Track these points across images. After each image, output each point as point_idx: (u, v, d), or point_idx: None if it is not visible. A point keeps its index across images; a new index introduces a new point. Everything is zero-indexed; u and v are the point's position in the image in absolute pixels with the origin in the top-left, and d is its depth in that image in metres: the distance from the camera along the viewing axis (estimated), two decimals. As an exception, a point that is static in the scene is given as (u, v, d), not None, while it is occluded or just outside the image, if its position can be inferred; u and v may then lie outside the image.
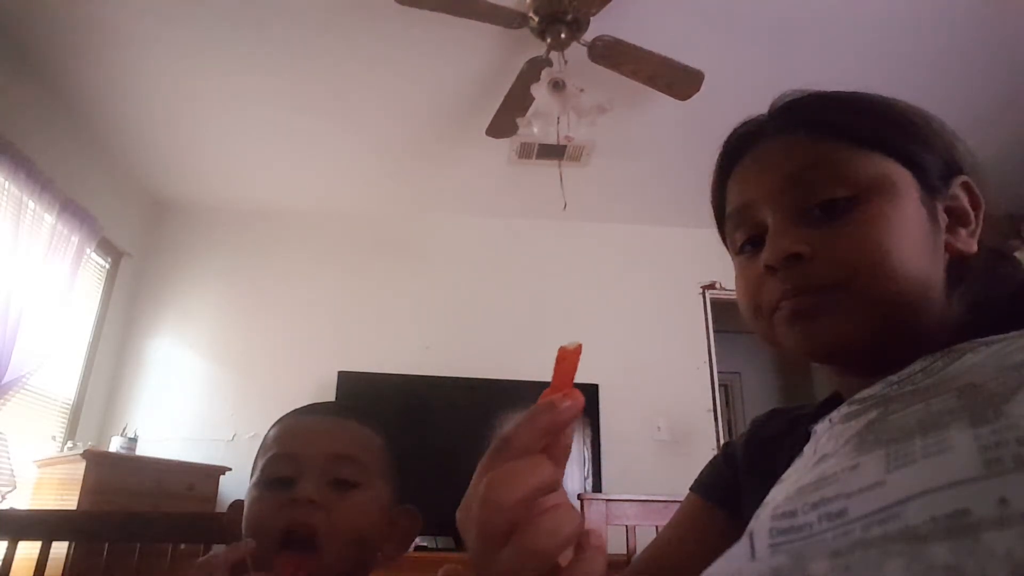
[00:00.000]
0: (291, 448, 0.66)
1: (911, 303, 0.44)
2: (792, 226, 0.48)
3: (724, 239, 0.59)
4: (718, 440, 3.35)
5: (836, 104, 0.52)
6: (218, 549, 0.98)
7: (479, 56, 2.45)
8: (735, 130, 0.57)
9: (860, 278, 0.44)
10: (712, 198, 0.59)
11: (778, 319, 0.49)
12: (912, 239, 0.46)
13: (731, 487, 0.62)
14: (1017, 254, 0.52)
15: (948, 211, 0.49)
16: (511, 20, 2.10)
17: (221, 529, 0.97)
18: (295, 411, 0.74)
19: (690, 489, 0.69)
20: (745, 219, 0.53)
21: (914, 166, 0.48)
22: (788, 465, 0.40)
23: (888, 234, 0.45)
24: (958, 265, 0.48)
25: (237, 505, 0.68)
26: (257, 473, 0.66)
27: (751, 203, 0.52)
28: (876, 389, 0.36)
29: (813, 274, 0.46)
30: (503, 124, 2.50)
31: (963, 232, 0.49)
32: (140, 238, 3.43)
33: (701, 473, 0.69)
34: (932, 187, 0.48)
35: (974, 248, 0.49)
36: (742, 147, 0.55)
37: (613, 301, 3.58)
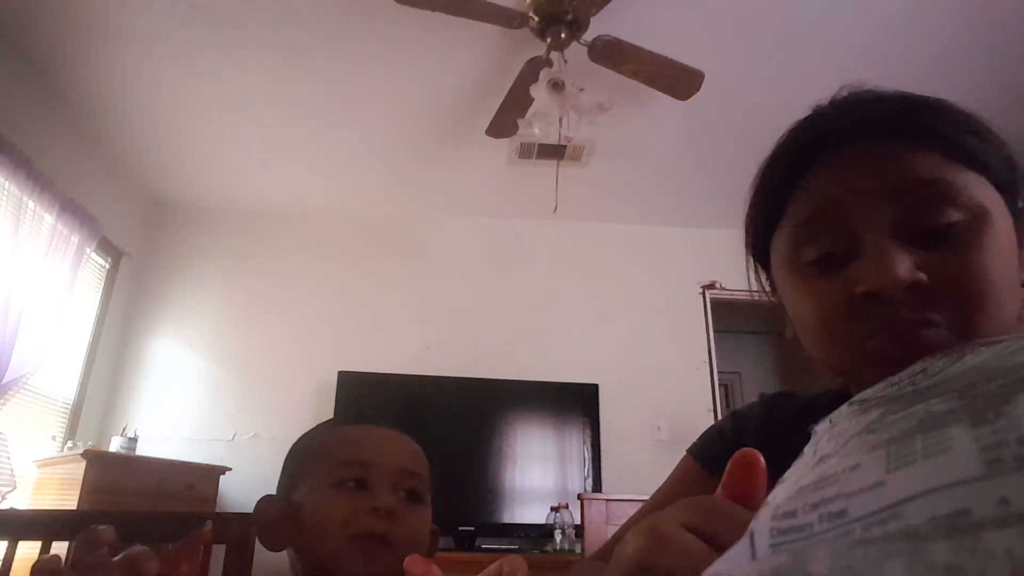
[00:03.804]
0: (365, 456, 0.67)
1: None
2: (899, 247, 0.43)
3: (755, 243, 0.54)
4: (718, 440, 3.34)
5: (941, 116, 0.46)
6: (218, 548, 0.99)
7: (479, 56, 2.46)
8: (810, 125, 0.50)
9: (974, 315, 0.42)
10: (764, 194, 0.52)
11: (871, 352, 0.44)
12: (1013, 271, 0.44)
13: None
14: None
15: None
16: (511, 20, 2.10)
17: (241, 525, 0.97)
18: (348, 418, 0.77)
19: (689, 453, 0.67)
20: (824, 228, 0.46)
21: (1006, 192, 0.45)
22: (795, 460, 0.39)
23: (999, 268, 0.42)
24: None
25: (274, 501, 0.69)
26: (321, 474, 0.67)
27: (838, 209, 0.46)
28: (876, 390, 0.36)
29: (927, 307, 0.42)
30: (503, 124, 2.51)
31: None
32: (140, 238, 3.43)
33: (705, 440, 0.67)
34: (1017, 214, 0.46)
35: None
36: (820, 144, 0.48)
37: (613, 301, 3.58)
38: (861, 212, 0.45)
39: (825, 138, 0.48)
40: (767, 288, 0.56)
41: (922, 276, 0.42)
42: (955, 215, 0.43)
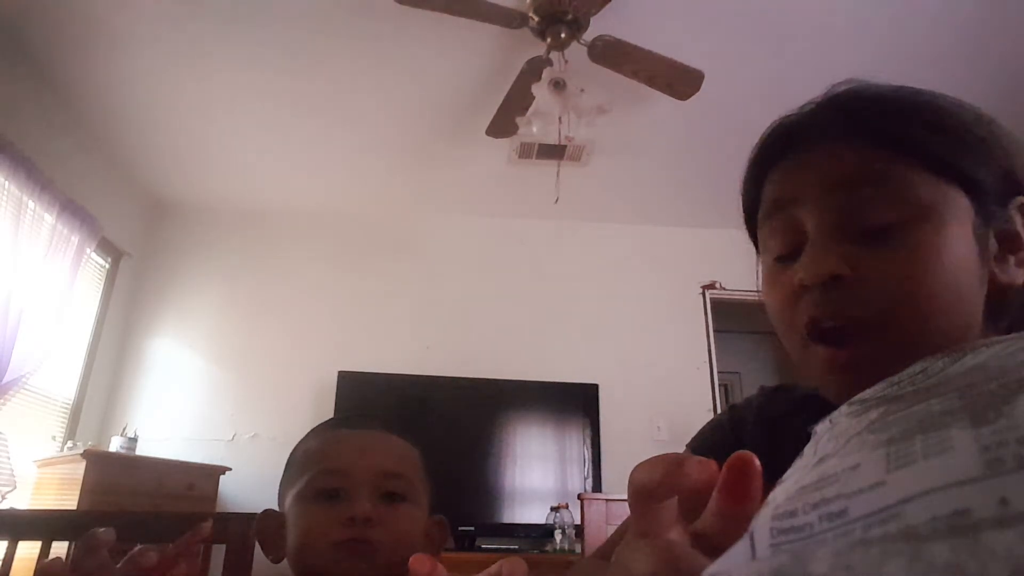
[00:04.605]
0: (341, 463, 0.67)
1: (948, 345, 0.40)
2: (834, 242, 0.45)
3: (752, 236, 0.56)
4: (718, 440, 3.35)
5: (899, 113, 0.47)
6: (218, 548, 0.99)
7: (479, 56, 2.45)
8: (780, 123, 0.52)
9: (900, 314, 0.42)
10: (744, 192, 0.55)
11: (814, 353, 0.46)
12: (960, 273, 0.43)
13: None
14: None
15: (999, 236, 0.45)
16: (511, 20, 2.10)
17: (241, 525, 0.97)
18: (333, 423, 0.76)
19: (688, 447, 0.68)
20: (781, 221, 0.49)
21: (973, 190, 0.44)
22: (793, 451, 0.40)
23: (936, 268, 0.42)
24: (999, 297, 0.44)
25: (274, 515, 0.69)
26: (301, 486, 0.67)
27: (790, 203, 0.48)
28: (877, 390, 0.36)
29: (851, 301, 0.43)
30: (503, 124, 2.51)
31: (1011, 260, 0.45)
32: (140, 238, 3.43)
33: (703, 434, 0.67)
34: (988, 213, 0.45)
35: (1020, 280, 0.45)
36: (787, 143, 0.50)
37: (613, 301, 3.58)
38: (806, 210, 0.47)
39: (787, 137, 0.50)
40: None
41: (843, 269, 0.43)
42: (893, 215, 0.43)
